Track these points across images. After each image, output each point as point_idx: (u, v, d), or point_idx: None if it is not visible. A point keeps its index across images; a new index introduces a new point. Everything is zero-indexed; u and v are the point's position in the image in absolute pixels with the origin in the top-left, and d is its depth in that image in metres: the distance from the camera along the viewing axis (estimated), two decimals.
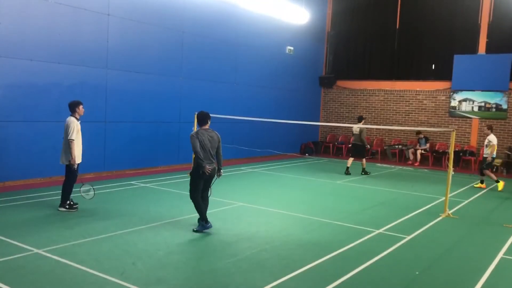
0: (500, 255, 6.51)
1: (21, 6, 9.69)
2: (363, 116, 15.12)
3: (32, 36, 9.89)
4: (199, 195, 7.02)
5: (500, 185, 12.00)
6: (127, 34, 11.88)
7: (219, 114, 13.10)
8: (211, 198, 7.30)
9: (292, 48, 18.13)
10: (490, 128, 12.37)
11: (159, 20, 12.67)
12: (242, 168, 14.23)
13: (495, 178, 12.20)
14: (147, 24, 12.34)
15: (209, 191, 7.31)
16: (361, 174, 13.89)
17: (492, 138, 12.00)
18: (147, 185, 10.63)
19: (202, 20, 14.04)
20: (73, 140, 7.67)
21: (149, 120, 12.62)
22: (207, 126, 7.04)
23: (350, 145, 16.19)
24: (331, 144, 19.77)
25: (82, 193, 8.23)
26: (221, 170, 7.19)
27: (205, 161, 6.84)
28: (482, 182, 12.48)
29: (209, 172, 6.85)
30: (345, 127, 19.66)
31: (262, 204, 9.04)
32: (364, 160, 14.00)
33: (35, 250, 5.78)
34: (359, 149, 13.86)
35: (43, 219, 7.27)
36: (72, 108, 7.91)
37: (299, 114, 18.31)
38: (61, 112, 10.56)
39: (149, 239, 6.49)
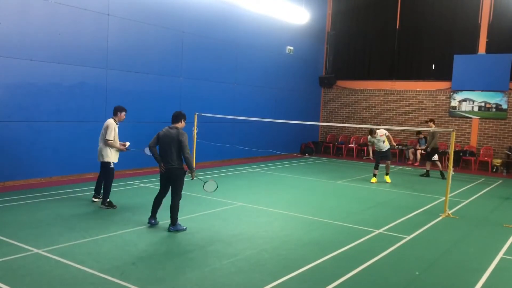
0: (500, 255, 6.51)
1: (21, 6, 9.70)
2: (428, 119, 14.80)
3: (32, 36, 9.89)
4: (159, 192, 7.22)
5: (374, 179, 12.67)
6: (127, 34, 11.88)
7: (219, 114, 13.12)
8: (210, 198, 7.28)
9: (292, 48, 18.12)
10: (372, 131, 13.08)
11: (159, 20, 12.67)
12: (242, 168, 14.23)
13: (376, 172, 12.69)
14: (147, 24, 12.34)
15: (206, 184, 7.30)
16: (442, 178, 13.90)
17: (384, 131, 12.57)
18: (147, 185, 10.63)
19: (202, 20, 14.03)
20: (112, 140, 8.20)
21: (149, 120, 12.61)
22: (177, 125, 7.03)
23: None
24: (331, 144, 19.76)
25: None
26: (193, 172, 6.97)
27: (163, 159, 6.96)
28: (377, 174, 12.77)
29: (163, 170, 6.95)
30: (345, 127, 19.67)
31: (262, 204, 9.05)
32: (438, 163, 14.20)
33: (35, 250, 5.78)
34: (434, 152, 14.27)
35: (43, 219, 7.28)
36: (115, 111, 8.43)
37: (299, 114, 18.32)
38: (61, 112, 10.61)
39: (149, 239, 6.49)
